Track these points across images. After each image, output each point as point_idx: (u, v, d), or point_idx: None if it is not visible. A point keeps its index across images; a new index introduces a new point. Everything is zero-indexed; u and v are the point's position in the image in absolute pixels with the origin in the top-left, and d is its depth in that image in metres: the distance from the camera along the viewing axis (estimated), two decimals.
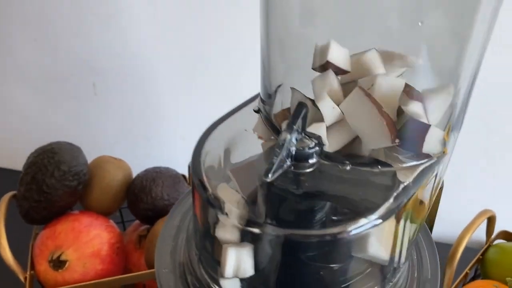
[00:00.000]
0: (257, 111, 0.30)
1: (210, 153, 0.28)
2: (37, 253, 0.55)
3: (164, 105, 0.75)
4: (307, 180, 0.26)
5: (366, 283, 0.28)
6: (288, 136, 0.24)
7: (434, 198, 0.29)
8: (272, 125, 0.29)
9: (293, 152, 0.26)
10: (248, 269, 0.28)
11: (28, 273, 0.54)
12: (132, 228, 0.64)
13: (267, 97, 0.30)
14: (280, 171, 0.25)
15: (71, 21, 0.68)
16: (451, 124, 0.28)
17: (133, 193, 0.60)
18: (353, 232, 0.24)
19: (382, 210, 0.24)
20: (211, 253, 0.28)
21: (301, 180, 0.26)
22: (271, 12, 0.28)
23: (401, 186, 0.25)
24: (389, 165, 0.26)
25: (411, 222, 0.27)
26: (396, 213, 0.25)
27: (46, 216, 0.56)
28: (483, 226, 0.57)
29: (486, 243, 0.58)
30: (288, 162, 0.26)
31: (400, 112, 0.26)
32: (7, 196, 0.56)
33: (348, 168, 0.26)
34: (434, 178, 0.27)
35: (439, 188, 0.29)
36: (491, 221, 0.56)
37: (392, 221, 0.25)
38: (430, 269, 0.30)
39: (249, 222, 0.24)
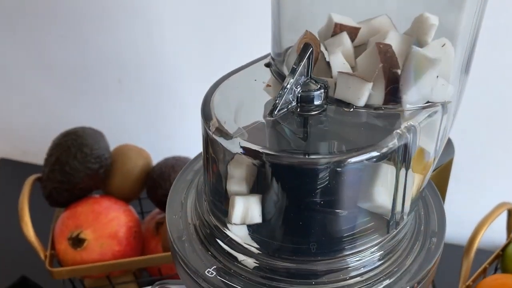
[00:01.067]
0: (268, 64, 0.31)
1: (219, 99, 0.29)
2: (58, 232, 0.57)
3: (187, 102, 0.76)
4: (313, 122, 0.27)
5: (370, 233, 0.28)
6: (291, 79, 0.25)
7: (439, 151, 0.29)
8: (281, 77, 0.30)
9: (299, 94, 0.26)
10: (256, 217, 0.28)
11: (48, 251, 0.55)
12: (150, 217, 0.65)
13: (277, 55, 0.32)
14: (284, 111, 0.26)
15: (98, 17, 0.71)
16: (458, 68, 0.28)
17: (152, 179, 0.61)
18: (352, 161, 0.24)
19: (383, 145, 0.24)
20: (219, 200, 0.29)
21: (307, 122, 0.27)
22: None
23: (404, 125, 0.25)
24: (393, 108, 0.26)
25: (415, 171, 0.28)
26: (398, 152, 0.25)
27: (68, 199, 0.58)
28: (502, 225, 0.56)
29: (507, 238, 0.57)
30: (294, 103, 0.26)
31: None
32: (32, 178, 0.58)
33: (351, 110, 0.26)
34: (439, 128, 0.28)
35: (444, 140, 0.29)
36: (511, 214, 0.55)
37: (395, 164, 0.26)
38: (437, 223, 0.30)
39: (251, 151, 0.25)
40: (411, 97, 0.26)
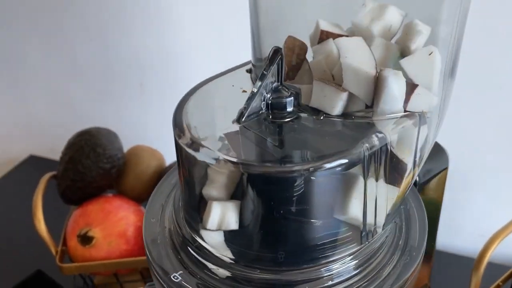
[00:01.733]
0: (249, 70, 0.31)
1: (194, 108, 0.29)
2: (69, 229, 0.58)
3: None
4: (284, 130, 0.26)
5: (345, 243, 0.27)
6: (260, 84, 0.25)
7: (420, 163, 0.28)
8: None
9: (269, 101, 0.26)
10: (232, 223, 0.28)
11: (59, 247, 0.57)
12: None
13: (257, 61, 0.31)
14: (253, 117, 0.26)
15: (122, 20, 0.73)
16: (444, 73, 0.27)
17: None
18: (317, 169, 0.23)
19: (348, 153, 0.24)
20: (194, 208, 0.29)
21: (278, 129, 0.26)
22: None
23: (375, 135, 0.25)
24: (365, 117, 0.26)
25: (389, 183, 0.27)
26: (365, 161, 0.24)
27: (81, 197, 0.60)
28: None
29: None
30: (264, 110, 0.26)
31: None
32: (47, 175, 0.60)
33: (321, 118, 0.26)
34: (416, 138, 0.27)
35: (426, 152, 0.28)
36: None
37: (363, 175, 0.25)
38: (418, 238, 0.29)
39: (221, 162, 0.25)
40: (383, 107, 0.25)
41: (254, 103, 0.25)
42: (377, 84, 0.26)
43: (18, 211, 0.69)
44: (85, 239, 0.56)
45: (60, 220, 0.62)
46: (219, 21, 0.69)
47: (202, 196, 0.29)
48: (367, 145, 0.24)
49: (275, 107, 0.26)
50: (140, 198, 0.64)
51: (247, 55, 0.71)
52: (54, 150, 0.89)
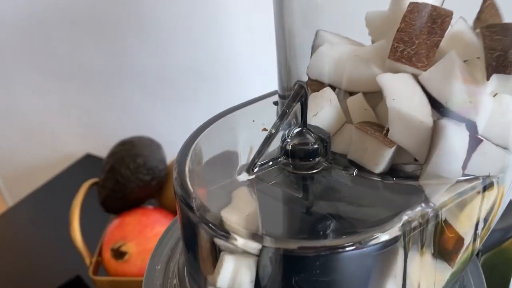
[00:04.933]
0: (276, 102, 0.26)
1: (204, 149, 0.24)
2: (106, 241, 0.56)
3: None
4: (306, 184, 0.21)
5: None
6: (279, 126, 0.20)
7: (484, 235, 0.22)
8: None
9: (289, 148, 0.21)
10: (246, 283, 0.24)
11: (94, 258, 0.55)
12: None
13: (284, 90, 0.26)
14: (267, 166, 0.21)
15: (179, 26, 0.70)
16: None
17: None
18: (344, 249, 0.18)
19: (389, 227, 0.18)
20: (195, 258, 0.25)
21: (299, 183, 0.21)
22: (285, 12, 0.25)
23: (422, 204, 0.19)
24: (411, 178, 0.20)
25: (442, 259, 0.21)
26: (408, 237, 0.19)
27: (120, 207, 0.58)
28: None
29: None
30: (283, 158, 0.21)
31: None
32: (88, 183, 0.59)
33: (353, 174, 0.20)
34: (479, 209, 0.20)
35: (492, 222, 0.22)
36: None
37: (399, 247, 0.19)
38: None
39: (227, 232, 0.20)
40: (436, 166, 0.20)
41: (271, 148, 0.20)
42: (432, 136, 0.20)
43: (66, 212, 0.69)
44: (119, 254, 0.54)
45: (101, 227, 0.60)
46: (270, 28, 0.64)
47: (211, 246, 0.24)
48: (408, 218, 0.18)
49: (297, 155, 0.21)
50: None
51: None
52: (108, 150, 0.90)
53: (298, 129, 0.21)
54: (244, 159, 0.22)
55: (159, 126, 0.79)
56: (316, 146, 0.21)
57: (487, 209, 0.21)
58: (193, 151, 0.23)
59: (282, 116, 0.20)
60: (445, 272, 0.21)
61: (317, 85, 0.25)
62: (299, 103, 0.20)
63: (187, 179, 0.21)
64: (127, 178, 0.55)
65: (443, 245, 0.21)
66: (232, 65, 0.71)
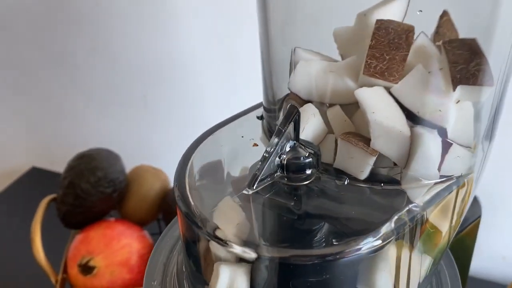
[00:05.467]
0: (261, 117, 0.28)
1: (200, 162, 0.25)
2: (70, 256, 0.56)
3: (212, 120, 0.74)
4: (301, 195, 0.23)
5: None
6: (276, 143, 0.22)
7: (456, 226, 0.25)
8: (272, 134, 0.26)
9: (285, 162, 0.23)
10: None
11: (60, 276, 0.54)
12: None
13: (270, 104, 0.28)
14: (266, 182, 0.22)
15: (126, 32, 0.69)
16: (480, 137, 0.24)
17: (167, 204, 0.59)
18: (345, 255, 0.20)
19: (381, 231, 0.20)
20: (197, 269, 0.26)
21: (295, 194, 0.23)
22: (270, 27, 0.27)
23: (408, 206, 0.21)
24: (395, 183, 0.22)
25: (425, 252, 0.23)
26: (398, 237, 0.21)
27: (82, 221, 0.57)
28: None
29: None
30: (279, 173, 0.23)
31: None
32: (46, 199, 0.57)
33: (345, 183, 0.22)
34: (453, 204, 0.23)
35: (463, 214, 0.25)
36: None
37: (394, 247, 0.22)
38: None
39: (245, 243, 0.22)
40: (416, 170, 0.22)
41: (268, 165, 0.22)
42: (411, 144, 0.22)
43: (19, 229, 0.67)
44: (87, 269, 0.53)
45: (61, 243, 0.59)
46: (227, 32, 0.65)
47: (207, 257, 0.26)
48: (399, 221, 0.21)
49: (292, 169, 0.23)
50: (144, 221, 0.61)
51: (255, 70, 0.68)
52: (54, 162, 0.87)
53: (291, 144, 0.23)
54: (235, 173, 0.24)
55: (108, 135, 0.78)
56: (309, 159, 0.22)
57: (459, 204, 0.24)
58: (189, 170, 0.24)
59: (278, 135, 0.22)
60: (427, 262, 0.24)
61: (298, 99, 0.27)
62: (293, 122, 0.22)
63: (190, 199, 0.23)
64: (88, 192, 0.55)
65: (424, 239, 0.23)
66: (182, 70, 0.71)
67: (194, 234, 0.23)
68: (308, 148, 0.23)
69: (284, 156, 0.22)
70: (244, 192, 0.22)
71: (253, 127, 0.27)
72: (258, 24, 0.26)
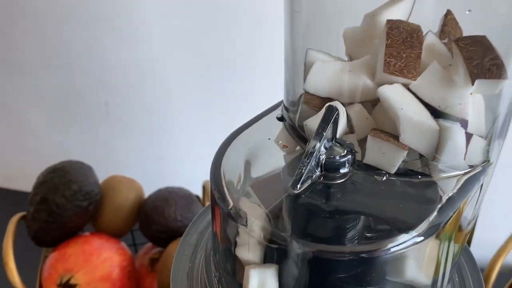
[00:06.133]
0: (281, 118, 0.28)
1: (230, 165, 0.25)
2: (46, 276, 0.53)
3: (177, 124, 0.73)
4: (339, 192, 0.23)
5: None
6: (318, 143, 0.22)
7: (478, 213, 0.26)
8: (297, 133, 0.26)
9: (323, 161, 0.23)
10: None
11: None
12: (144, 251, 0.61)
13: (291, 104, 0.28)
14: (308, 182, 0.23)
15: (85, 40, 0.67)
16: (495, 132, 0.25)
17: (145, 214, 0.57)
18: (392, 250, 0.21)
19: (424, 224, 0.21)
20: (232, 274, 0.26)
21: (332, 192, 0.23)
22: (295, 21, 0.27)
23: (445, 197, 0.22)
24: (429, 176, 0.23)
25: (455, 240, 0.25)
26: (440, 228, 0.22)
27: (56, 238, 0.54)
28: None
29: None
30: (318, 172, 0.23)
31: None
32: (15, 218, 0.54)
33: (384, 178, 0.23)
34: (479, 190, 0.25)
35: (481, 204, 0.26)
36: None
37: (434, 238, 0.23)
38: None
39: (274, 237, 0.22)
40: (446, 161, 0.23)
41: (308, 167, 0.22)
42: (440, 137, 0.23)
43: None
44: (67, 287, 0.51)
45: (32, 263, 0.56)
46: (190, 35, 0.65)
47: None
48: (441, 211, 0.22)
49: (330, 168, 0.23)
50: (119, 233, 0.59)
51: (217, 73, 0.68)
52: (11, 179, 0.82)
53: (329, 144, 0.23)
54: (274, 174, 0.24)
55: (70, 147, 0.74)
56: (347, 157, 0.23)
57: (482, 192, 0.25)
58: (223, 174, 0.24)
59: (318, 135, 0.22)
60: (455, 251, 0.25)
61: (314, 99, 0.28)
62: (333, 122, 0.22)
63: (229, 199, 0.23)
64: (63, 207, 0.52)
65: (454, 227, 0.24)
66: (143, 75, 0.70)
67: (234, 234, 0.23)
68: (344, 146, 0.24)
69: (323, 156, 0.23)
70: (291, 191, 0.22)
71: (276, 129, 0.27)
72: (283, 25, 0.26)
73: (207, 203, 0.58)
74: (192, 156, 0.72)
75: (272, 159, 0.27)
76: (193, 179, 0.64)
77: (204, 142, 0.70)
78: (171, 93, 0.70)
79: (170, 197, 0.57)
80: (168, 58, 0.67)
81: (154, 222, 0.56)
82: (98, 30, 0.66)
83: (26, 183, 0.58)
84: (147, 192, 0.61)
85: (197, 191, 0.62)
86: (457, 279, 0.28)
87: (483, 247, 0.52)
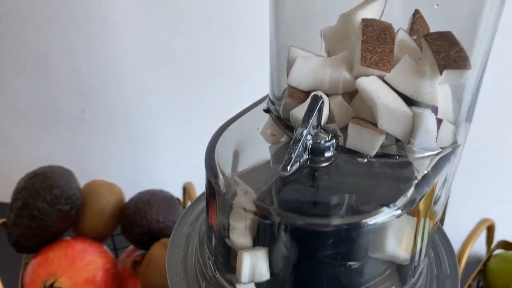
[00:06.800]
0: (267, 110, 0.30)
1: (221, 154, 0.27)
2: (28, 282, 0.53)
3: (155, 129, 0.74)
4: (324, 173, 0.25)
5: (385, 283, 0.27)
6: (305, 130, 0.24)
7: (449, 194, 0.29)
8: (283, 123, 0.28)
9: (309, 146, 0.25)
10: (264, 273, 0.27)
11: None
12: (125, 255, 0.62)
13: (276, 98, 0.30)
14: (297, 165, 0.25)
15: (59, 47, 0.67)
16: (461, 117, 0.28)
17: (127, 216, 0.58)
18: (374, 222, 0.23)
19: (403, 199, 0.24)
20: (226, 258, 0.27)
21: (318, 174, 0.25)
22: (280, 17, 0.29)
23: (420, 175, 0.25)
24: (405, 157, 0.26)
25: (429, 217, 0.27)
26: (417, 202, 0.24)
27: (37, 244, 0.54)
28: (481, 239, 0.57)
29: (486, 253, 0.58)
30: (305, 156, 0.25)
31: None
32: None
33: (365, 160, 0.25)
34: (450, 170, 0.27)
35: (451, 182, 0.29)
36: (490, 229, 0.56)
37: (412, 214, 0.25)
38: (449, 265, 0.30)
39: (263, 211, 0.24)
40: (420, 144, 0.26)
41: (298, 149, 0.24)
42: (413, 122, 0.26)
43: None
44: None
45: (12, 271, 0.56)
46: (164, 43, 0.66)
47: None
48: (417, 187, 0.24)
49: (316, 152, 0.25)
50: (102, 237, 0.59)
51: (194, 78, 0.69)
52: None
53: (315, 131, 0.25)
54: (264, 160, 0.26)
55: (48, 155, 0.74)
56: (331, 141, 0.25)
57: (453, 172, 0.28)
58: (217, 161, 0.26)
59: (305, 122, 0.24)
60: (431, 227, 0.28)
61: (297, 92, 0.30)
62: (318, 110, 0.24)
63: (222, 181, 0.24)
64: (45, 211, 0.53)
65: (429, 204, 0.27)
66: (120, 82, 0.70)
67: (227, 214, 0.25)
68: (328, 132, 0.26)
69: (309, 141, 0.25)
70: (281, 174, 0.24)
71: (263, 120, 0.29)
72: (269, 22, 0.28)
73: (188, 204, 0.59)
74: (172, 161, 0.74)
75: (260, 149, 0.28)
76: (172, 183, 0.65)
77: (182, 147, 0.72)
78: (148, 97, 0.71)
79: (152, 199, 0.58)
80: (143, 62, 0.68)
81: (136, 224, 0.57)
82: (72, 37, 0.66)
83: (4, 194, 0.58)
84: (126, 196, 0.62)
85: (177, 194, 0.63)
86: (432, 255, 0.30)
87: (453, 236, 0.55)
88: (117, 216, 0.60)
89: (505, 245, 0.59)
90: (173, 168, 0.73)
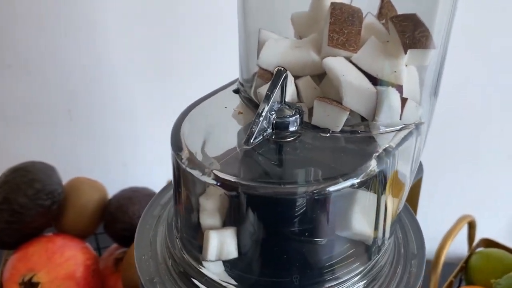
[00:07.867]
0: (237, 91, 0.30)
1: (188, 131, 0.27)
2: (7, 277, 0.52)
3: (140, 129, 0.74)
4: (288, 147, 0.26)
5: (349, 259, 0.27)
6: (267, 105, 0.24)
7: (414, 171, 0.29)
8: (254, 104, 0.29)
9: (274, 121, 0.25)
10: (232, 251, 0.27)
11: None
12: (108, 253, 0.61)
13: (246, 81, 0.31)
14: (260, 138, 0.25)
15: (46, 46, 0.68)
16: (425, 97, 0.28)
17: (109, 213, 0.58)
18: (335, 189, 0.23)
19: (364, 168, 0.24)
20: (193, 236, 0.28)
21: (282, 148, 0.26)
22: (247, 6, 0.30)
23: (382, 148, 0.25)
24: (368, 132, 0.26)
25: (393, 196, 0.27)
26: (378, 174, 0.24)
27: (18, 239, 0.54)
28: (463, 238, 0.57)
29: (468, 250, 0.58)
30: (269, 131, 0.25)
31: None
32: None
33: (328, 135, 0.26)
34: (413, 147, 0.27)
35: (418, 160, 0.29)
36: (471, 226, 0.56)
37: (375, 190, 0.25)
38: (416, 245, 0.30)
39: (227, 182, 0.24)
40: (383, 120, 0.26)
41: (261, 124, 0.25)
42: (377, 100, 0.26)
43: None
44: (30, 286, 0.51)
45: None
46: (150, 42, 0.67)
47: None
48: (378, 160, 0.24)
49: (280, 127, 0.26)
50: (84, 234, 0.59)
51: (180, 78, 0.70)
52: None
53: (278, 106, 0.25)
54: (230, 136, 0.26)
55: (34, 154, 0.74)
56: (295, 117, 0.25)
57: (417, 151, 0.28)
58: (182, 135, 0.26)
59: (268, 97, 0.25)
60: (395, 205, 0.28)
61: (267, 73, 0.30)
62: (281, 85, 0.25)
63: (186, 155, 0.24)
64: (25, 206, 0.52)
65: (393, 182, 0.27)
66: (106, 81, 0.71)
67: (188, 180, 0.25)
68: (293, 107, 0.26)
69: (273, 116, 0.25)
70: (244, 147, 0.24)
71: (233, 100, 0.29)
72: (237, 8, 0.29)
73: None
74: (157, 160, 0.74)
75: (227, 127, 0.29)
76: (157, 182, 0.65)
77: (167, 146, 0.72)
78: (133, 97, 0.72)
79: (134, 196, 0.58)
80: (129, 63, 0.69)
81: (119, 220, 0.57)
82: (58, 37, 0.67)
83: None
84: (111, 195, 0.62)
85: None
86: (400, 235, 0.30)
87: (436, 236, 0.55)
88: (99, 213, 0.60)
89: (487, 243, 0.59)
90: (157, 167, 0.73)
